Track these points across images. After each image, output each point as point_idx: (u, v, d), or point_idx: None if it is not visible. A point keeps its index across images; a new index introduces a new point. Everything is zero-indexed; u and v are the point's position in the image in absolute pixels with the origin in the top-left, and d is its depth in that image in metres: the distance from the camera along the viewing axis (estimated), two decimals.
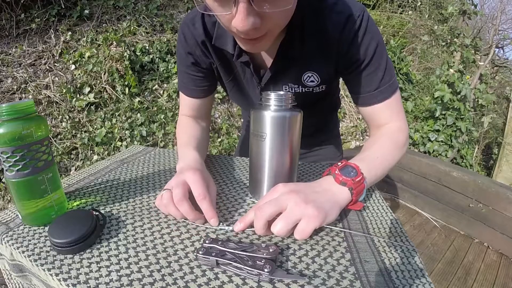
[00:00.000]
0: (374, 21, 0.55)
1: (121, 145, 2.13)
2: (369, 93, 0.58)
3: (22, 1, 2.39)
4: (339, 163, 0.50)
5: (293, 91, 0.62)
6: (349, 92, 0.64)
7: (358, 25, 0.52)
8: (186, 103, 0.71)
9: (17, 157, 0.42)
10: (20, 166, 0.43)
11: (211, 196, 0.49)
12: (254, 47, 0.47)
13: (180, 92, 0.72)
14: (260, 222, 0.42)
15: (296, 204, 0.41)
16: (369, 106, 0.60)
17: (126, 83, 2.33)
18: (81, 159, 2.01)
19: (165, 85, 2.51)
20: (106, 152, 2.09)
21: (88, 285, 0.36)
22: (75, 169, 1.97)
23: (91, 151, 2.07)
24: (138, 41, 2.54)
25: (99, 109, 2.25)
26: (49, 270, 0.38)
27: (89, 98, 2.20)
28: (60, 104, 2.16)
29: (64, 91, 2.17)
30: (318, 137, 0.87)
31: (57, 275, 0.37)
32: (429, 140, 2.84)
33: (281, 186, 0.45)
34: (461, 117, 2.77)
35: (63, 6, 2.54)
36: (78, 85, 2.24)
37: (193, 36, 0.60)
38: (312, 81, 0.60)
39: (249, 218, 0.44)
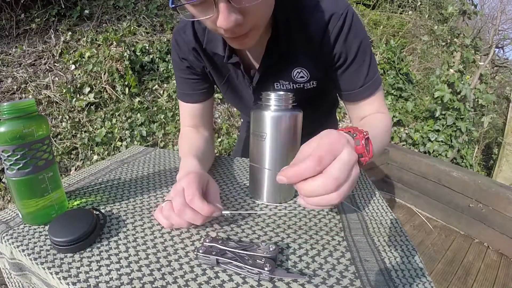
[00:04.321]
0: (359, 18, 0.56)
1: (121, 145, 2.13)
2: (355, 90, 0.60)
3: (22, 1, 2.39)
4: (364, 131, 0.43)
5: (285, 88, 0.63)
6: (335, 88, 0.65)
7: (341, 24, 0.53)
8: (186, 112, 0.72)
9: (18, 156, 0.42)
10: (21, 165, 0.43)
11: (212, 192, 0.47)
12: (243, 43, 0.48)
13: (180, 103, 0.72)
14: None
15: (356, 173, 0.35)
16: (356, 102, 0.62)
17: (126, 83, 2.33)
18: (81, 159, 2.01)
19: (165, 85, 2.51)
20: (106, 152, 2.09)
21: (88, 283, 0.36)
22: (75, 169, 1.97)
23: (91, 151, 2.07)
24: (138, 41, 2.54)
25: (99, 109, 2.25)
26: (49, 268, 0.38)
27: (89, 98, 2.20)
28: (60, 104, 2.15)
29: (64, 91, 2.16)
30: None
31: (57, 273, 0.38)
32: (429, 140, 2.84)
33: (342, 143, 0.36)
34: (461, 117, 2.77)
35: (63, 6, 2.54)
36: (78, 85, 2.24)
37: (185, 42, 0.63)
38: (302, 77, 0.61)
39: (300, 177, 0.34)
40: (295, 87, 0.63)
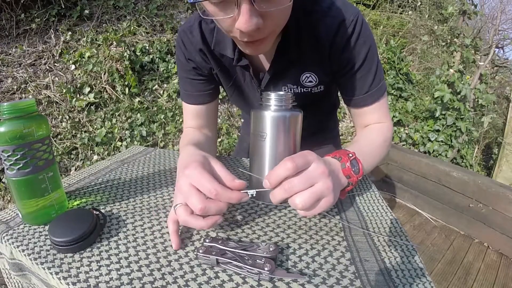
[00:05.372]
0: (368, 24, 0.56)
1: (121, 145, 2.13)
2: (360, 96, 0.60)
3: (22, 1, 2.39)
4: (350, 154, 0.48)
5: (292, 92, 0.63)
6: (340, 93, 0.65)
7: (351, 30, 0.53)
8: (190, 113, 0.70)
9: (18, 156, 0.42)
10: (21, 165, 0.43)
11: (223, 175, 0.43)
12: (257, 49, 0.48)
13: (183, 105, 0.71)
14: (284, 195, 0.38)
15: (327, 186, 0.39)
16: (359, 108, 0.62)
17: (126, 83, 2.33)
18: (81, 159, 2.01)
19: (165, 85, 2.51)
20: (106, 152, 2.09)
21: (88, 283, 0.36)
22: (75, 169, 1.97)
23: (91, 151, 2.07)
24: (138, 41, 2.54)
25: (99, 109, 2.25)
26: (49, 268, 0.38)
27: (89, 98, 2.20)
28: (60, 104, 2.16)
29: (64, 91, 2.17)
30: (318, 137, 0.87)
31: (57, 273, 0.38)
32: (429, 140, 2.84)
33: (313, 157, 0.40)
34: (461, 117, 2.77)
35: (63, 6, 2.54)
36: (78, 85, 2.24)
37: (191, 43, 0.62)
38: (310, 82, 0.61)
39: (279, 177, 0.39)
40: (302, 91, 0.62)
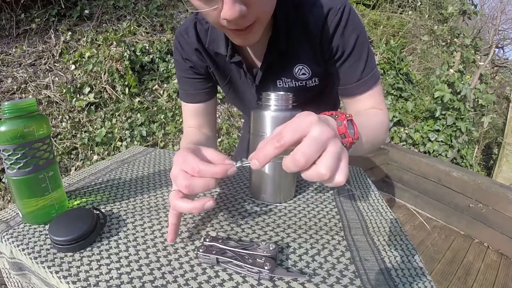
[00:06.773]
0: (357, 13, 0.57)
1: (121, 145, 2.13)
2: (352, 84, 0.60)
3: (22, 1, 2.39)
4: (347, 114, 0.42)
5: (287, 85, 0.63)
6: (334, 84, 0.65)
7: (339, 18, 0.54)
8: (189, 112, 0.72)
9: (19, 155, 0.42)
10: (21, 164, 0.43)
11: (213, 156, 0.42)
12: (245, 38, 0.49)
13: (182, 105, 0.73)
14: (300, 166, 0.31)
15: (340, 145, 0.33)
16: (352, 97, 0.62)
17: (126, 83, 2.33)
18: (81, 159, 2.01)
19: (165, 85, 2.51)
20: (106, 152, 2.09)
21: (88, 282, 0.36)
22: (75, 169, 1.97)
23: (91, 151, 2.07)
24: (138, 41, 2.54)
25: (99, 109, 2.25)
26: (49, 267, 0.38)
27: (89, 98, 2.20)
28: (60, 104, 2.15)
29: (64, 91, 2.17)
30: None
31: (57, 272, 0.38)
32: (429, 140, 2.84)
33: (313, 119, 0.34)
34: (461, 117, 2.77)
35: (63, 6, 2.54)
36: (78, 85, 2.24)
37: (187, 44, 0.64)
38: (303, 74, 0.62)
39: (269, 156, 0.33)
40: (297, 84, 0.63)
